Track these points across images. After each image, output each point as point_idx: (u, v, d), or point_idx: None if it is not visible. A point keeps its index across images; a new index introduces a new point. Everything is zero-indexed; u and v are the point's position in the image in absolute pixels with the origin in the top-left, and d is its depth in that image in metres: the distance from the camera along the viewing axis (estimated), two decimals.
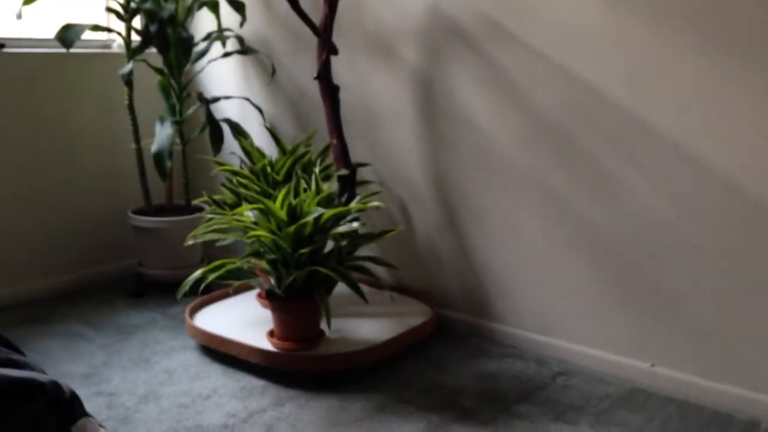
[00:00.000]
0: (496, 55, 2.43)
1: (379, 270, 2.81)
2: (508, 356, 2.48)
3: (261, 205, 2.23)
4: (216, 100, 3.08)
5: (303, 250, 2.18)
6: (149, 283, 3.06)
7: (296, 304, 2.28)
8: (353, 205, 2.37)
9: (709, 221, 2.07)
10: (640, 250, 2.22)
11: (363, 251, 2.66)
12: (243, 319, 2.58)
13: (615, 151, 2.22)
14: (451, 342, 2.59)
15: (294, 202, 2.22)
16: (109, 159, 3.21)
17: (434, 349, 2.53)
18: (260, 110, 3.10)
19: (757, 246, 2.00)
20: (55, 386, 1.06)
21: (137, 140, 3.04)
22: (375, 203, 2.37)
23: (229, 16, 3.08)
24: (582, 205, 2.32)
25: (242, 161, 2.82)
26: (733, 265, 2.05)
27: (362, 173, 2.78)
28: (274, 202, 2.23)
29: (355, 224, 2.28)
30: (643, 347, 2.26)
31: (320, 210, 2.19)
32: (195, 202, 3.13)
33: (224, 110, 3.25)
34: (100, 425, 1.12)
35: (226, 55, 3.07)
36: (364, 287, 2.47)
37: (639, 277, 2.24)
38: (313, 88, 2.76)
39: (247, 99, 3.14)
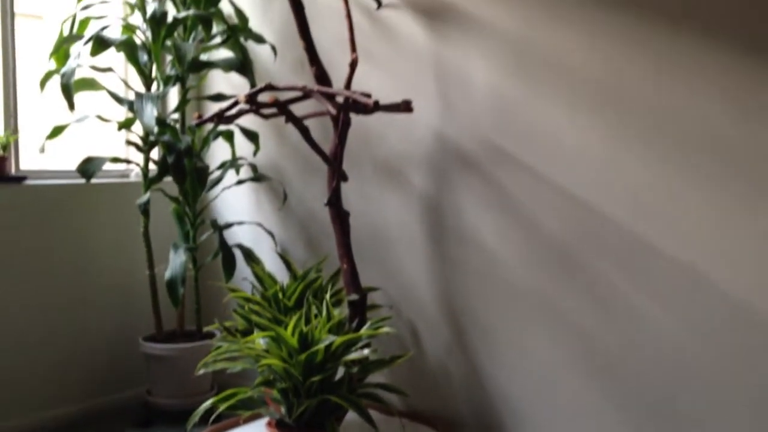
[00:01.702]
0: (501, 179, 2.49)
1: (390, 396, 2.77)
2: None
3: (272, 333, 2.23)
4: (229, 226, 3.15)
5: (314, 378, 2.16)
6: (158, 412, 3.01)
7: None
8: (364, 331, 2.36)
9: (719, 342, 2.05)
10: (655, 375, 2.18)
11: (374, 377, 2.62)
12: None
13: (621, 272, 2.23)
14: None
15: (305, 329, 2.22)
16: (122, 285, 3.24)
17: None
18: (272, 235, 3.16)
19: (759, 366, 1.96)
20: None
21: (151, 267, 3.08)
22: (386, 329, 2.36)
23: (243, 144, 3.20)
24: (591, 327, 2.31)
25: (254, 287, 2.84)
26: (742, 383, 2.00)
27: (373, 297, 2.79)
28: (286, 329, 2.23)
29: (366, 351, 2.26)
30: None
31: (331, 337, 2.18)
32: (206, 328, 3.12)
33: (237, 235, 3.31)
34: None
35: (240, 182, 3.15)
36: (375, 414, 2.42)
37: (652, 398, 2.19)
38: (324, 213, 2.81)
39: (260, 224, 3.20)
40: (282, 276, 3.01)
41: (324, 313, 2.38)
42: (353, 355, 2.25)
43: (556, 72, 2.33)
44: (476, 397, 2.62)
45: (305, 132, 2.51)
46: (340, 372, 2.31)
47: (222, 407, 2.24)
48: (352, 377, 2.33)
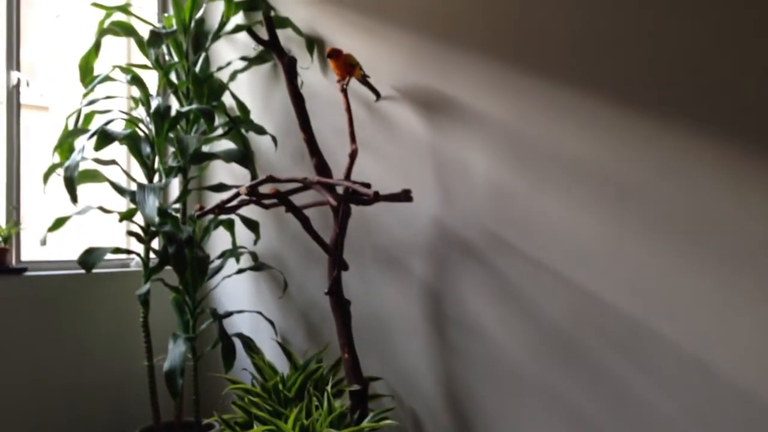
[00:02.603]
0: (501, 267, 2.50)
1: None
2: None
3: (273, 427, 2.20)
4: (229, 314, 3.13)
5: None
6: None
7: None
8: (366, 424, 2.32)
9: (720, 427, 2.01)
10: None
11: None
12: None
13: (623, 358, 2.22)
14: None
15: (306, 422, 2.19)
16: (119, 376, 3.20)
17: None
18: (272, 324, 3.14)
19: None
20: None
21: (150, 357, 3.05)
22: (388, 421, 2.33)
23: (243, 233, 3.22)
24: (595, 415, 2.27)
25: (254, 377, 2.81)
26: None
27: (374, 387, 2.76)
28: (286, 422, 2.20)
29: None
30: None
31: (333, 431, 2.14)
32: (205, 421, 3.07)
33: (237, 324, 3.29)
34: None
35: (240, 271, 3.16)
36: None
37: None
38: (324, 301, 2.81)
39: (260, 313, 3.19)
40: (282, 365, 2.97)
41: (325, 405, 2.35)
42: None
43: (554, 161, 2.38)
44: None
45: (305, 222, 2.54)
46: None
47: None
48: None
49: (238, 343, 3.03)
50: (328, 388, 2.44)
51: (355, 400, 2.52)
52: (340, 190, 2.63)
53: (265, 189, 2.42)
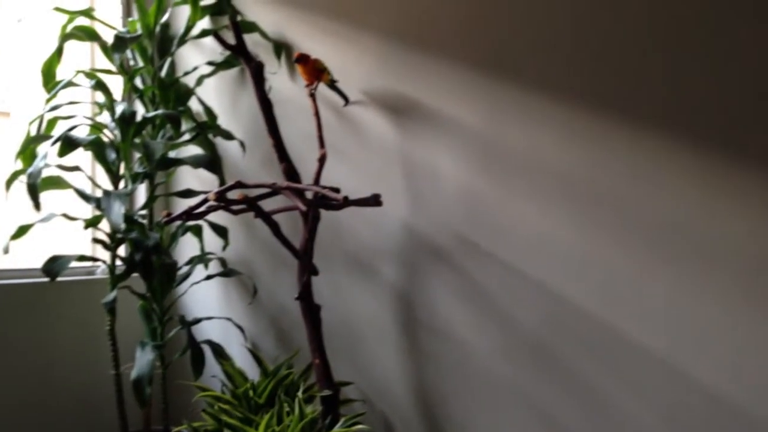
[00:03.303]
0: (472, 272, 2.52)
1: None
2: None
3: None
4: (197, 321, 3.10)
5: None
6: None
7: None
8: (337, 429, 2.32)
9: (690, 429, 2.05)
10: None
11: None
12: None
13: (596, 363, 2.24)
14: None
15: (278, 428, 2.18)
16: (85, 385, 3.15)
17: None
18: (242, 330, 3.12)
19: None
20: None
21: (116, 366, 3.00)
22: (359, 426, 2.32)
23: (212, 239, 3.19)
24: (567, 419, 2.29)
25: (224, 384, 2.78)
26: None
27: (345, 392, 2.75)
28: (257, 429, 2.18)
29: None
30: None
31: None
32: (175, 430, 3.03)
33: (206, 331, 3.26)
34: None
35: (209, 277, 3.13)
36: None
37: None
38: (295, 306, 2.80)
39: (229, 319, 3.16)
40: (252, 372, 2.95)
41: (296, 411, 2.34)
42: None
43: (526, 167, 2.39)
44: None
45: (275, 227, 2.52)
46: None
47: None
48: None
49: (207, 350, 3.01)
50: (299, 393, 2.43)
51: (327, 406, 2.51)
52: (309, 195, 2.62)
53: (233, 195, 2.40)
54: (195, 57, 3.38)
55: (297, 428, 2.21)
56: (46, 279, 2.77)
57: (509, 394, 2.42)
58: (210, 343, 3.05)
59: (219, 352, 3.01)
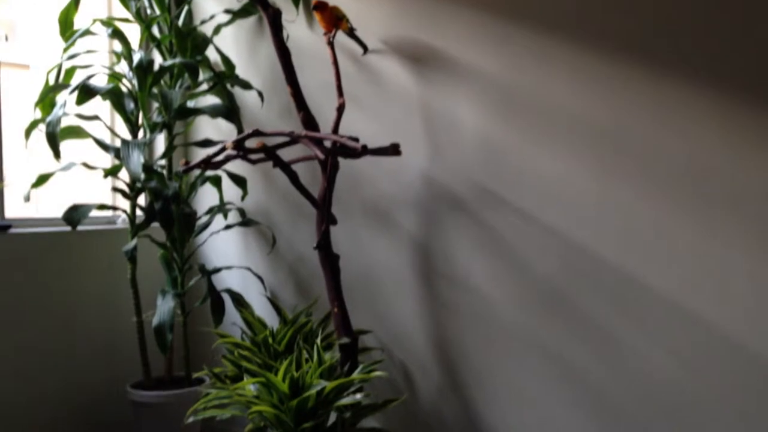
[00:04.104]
0: (491, 221, 2.51)
1: None
2: None
3: (263, 379, 2.21)
4: (217, 270, 3.13)
5: (306, 424, 2.14)
6: None
7: None
8: (356, 375, 2.34)
9: (711, 377, 2.05)
10: (649, 411, 2.17)
11: (367, 421, 2.59)
12: None
13: (615, 310, 2.24)
14: None
15: (296, 374, 2.20)
16: (109, 332, 3.20)
17: None
18: (261, 279, 3.14)
19: (757, 401, 1.96)
20: None
21: (138, 313, 3.05)
22: (378, 373, 2.35)
23: (230, 190, 3.20)
24: (584, 365, 2.30)
25: (243, 332, 2.82)
26: (738, 420, 2.00)
27: (364, 340, 2.78)
28: (276, 374, 2.21)
29: (359, 396, 2.24)
30: None
31: (323, 383, 2.16)
32: (196, 375, 3.09)
33: (225, 280, 3.29)
34: None
35: (228, 227, 3.15)
36: None
37: None
38: (313, 256, 2.81)
39: (248, 269, 3.19)
40: (272, 320, 2.99)
41: (315, 357, 2.36)
42: (345, 400, 2.23)
43: (545, 114, 2.36)
44: None
45: (293, 177, 2.52)
46: (333, 417, 2.28)
47: None
48: (345, 422, 2.31)
49: (227, 299, 3.04)
50: (318, 341, 2.46)
51: (345, 353, 2.54)
52: (327, 144, 2.61)
53: (251, 143, 2.40)
54: (212, 5, 3.34)
55: (316, 374, 2.24)
56: (67, 228, 2.80)
57: (526, 341, 2.43)
58: (229, 291, 3.08)
59: (238, 300, 3.04)
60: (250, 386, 2.28)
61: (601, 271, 2.26)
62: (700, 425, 2.08)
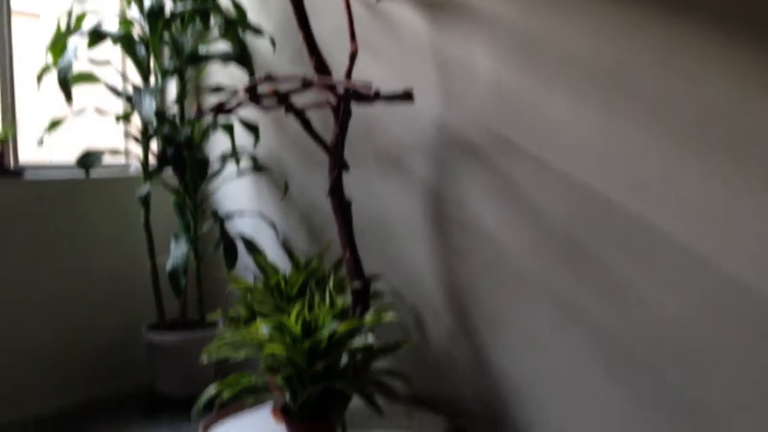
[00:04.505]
0: (505, 168, 2.51)
1: (394, 383, 2.78)
2: None
3: (275, 321, 2.24)
4: (230, 216, 3.16)
5: (318, 366, 2.18)
6: (163, 401, 3.02)
7: (311, 422, 2.25)
8: (367, 318, 2.38)
9: (718, 322, 2.07)
10: (658, 356, 2.20)
11: (378, 363, 2.64)
12: None
13: (625, 256, 2.25)
14: None
15: (308, 316, 2.24)
16: (124, 276, 3.25)
17: None
18: (273, 226, 3.17)
19: (764, 346, 1.99)
20: None
21: (152, 258, 3.09)
22: (389, 315, 2.38)
23: (243, 136, 3.21)
24: (595, 311, 2.33)
25: (256, 276, 2.86)
26: (749, 366, 2.03)
27: (375, 285, 2.81)
28: (289, 317, 2.25)
29: (370, 338, 2.28)
30: None
31: (335, 324, 2.20)
32: (209, 317, 3.14)
33: (238, 226, 3.32)
34: None
35: (240, 174, 3.16)
36: (379, 401, 2.43)
37: (660, 384, 2.21)
38: (326, 203, 2.83)
39: (261, 215, 3.21)
40: (284, 266, 3.02)
41: (327, 300, 2.40)
42: (357, 342, 2.26)
43: (560, 58, 2.34)
44: (480, 383, 2.64)
45: (305, 123, 2.52)
46: (344, 359, 2.33)
47: (226, 394, 2.25)
48: (356, 364, 2.35)
49: (239, 245, 3.07)
50: (330, 285, 2.49)
51: (357, 298, 2.57)
52: (340, 89, 2.60)
53: (263, 89, 2.39)
54: None
55: (327, 317, 2.27)
56: (81, 175, 2.82)
57: (537, 287, 2.46)
58: (242, 237, 3.11)
59: (251, 246, 3.07)
60: (262, 328, 2.32)
61: (611, 218, 2.27)
62: (707, 370, 2.11)
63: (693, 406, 2.15)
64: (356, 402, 2.36)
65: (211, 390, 2.31)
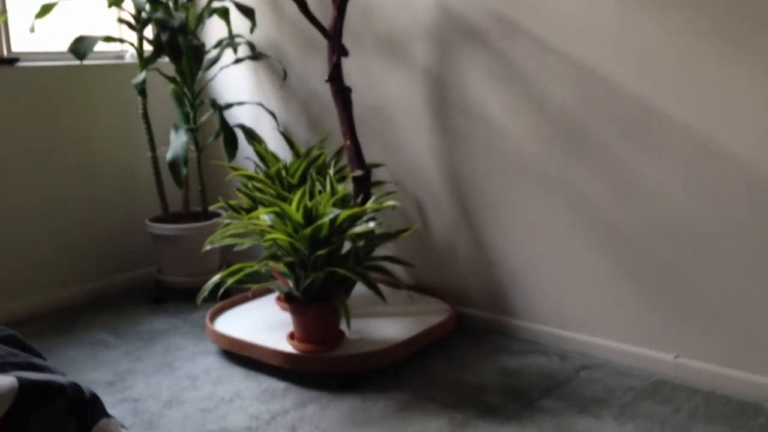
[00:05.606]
0: (507, 51, 2.42)
1: (396, 269, 2.81)
2: (529, 352, 2.47)
3: (277, 209, 2.24)
4: (229, 106, 3.10)
5: (320, 252, 2.19)
6: (169, 290, 3.07)
7: (315, 305, 2.29)
8: (369, 205, 2.37)
9: (727, 207, 2.05)
10: (659, 239, 2.20)
11: (380, 251, 2.66)
12: (263, 322, 2.58)
13: (629, 140, 2.21)
14: (471, 339, 2.59)
15: (309, 204, 2.23)
16: (124, 168, 3.23)
17: (455, 347, 2.52)
18: (273, 115, 3.12)
19: None
20: (75, 388, 1.07)
21: (152, 148, 3.06)
22: (390, 202, 2.37)
23: (239, 22, 3.10)
24: (598, 196, 2.31)
25: (257, 166, 2.83)
26: (755, 251, 2.02)
27: (377, 173, 2.79)
28: (290, 204, 2.24)
29: (372, 224, 2.28)
30: (666, 338, 2.24)
31: (336, 211, 2.19)
32: (211, 208, 3.14)
33: (237, 116, 3.27)
34: (122, 426, 1.13)
35: (238, 61, 3.08)
36: (382, 287, 2.46)
37: (659, 266, 2.22)
38: (325, 91, 2.76)
39: (260, 104, 3.15)
40: (285, 155, 2.99)
41: (328, 188, 2.38)
42: (359, 229, 2.26)
43: None
44: (481, 268, 2.66)
45: (302, 4, 2.42)
46: (347, 246, 2.33)
47: (230, 281, 2.28)
48: (359, 251, 2.36)
49: (239, 134, 3.03)
50: (331, 173, 2.47)
51: (358, 186, 2.56)
52: None
53: None
54: None
55: (329, 204, 2.26)
56: (76, 62, 2.75)
57: (540, 173, 2.43)
58: (242, 127, 3.06)
59: (251, 135, 3.03)
60: (264, 216, 2.32)
61: (617, 101, 2.21)
62: (714, 257, 2.11)
63: (693, 287, 2.16)
64: (360, 289, 2.38)
65: (215, 278, 2.33)
